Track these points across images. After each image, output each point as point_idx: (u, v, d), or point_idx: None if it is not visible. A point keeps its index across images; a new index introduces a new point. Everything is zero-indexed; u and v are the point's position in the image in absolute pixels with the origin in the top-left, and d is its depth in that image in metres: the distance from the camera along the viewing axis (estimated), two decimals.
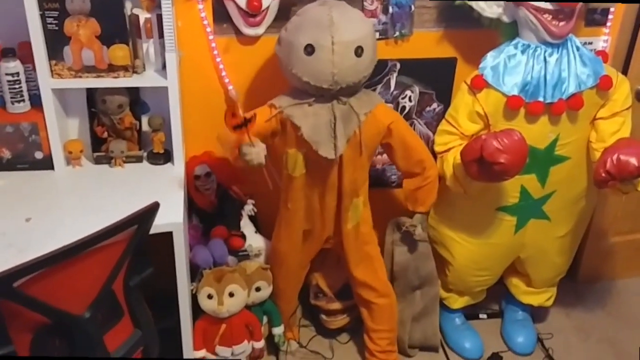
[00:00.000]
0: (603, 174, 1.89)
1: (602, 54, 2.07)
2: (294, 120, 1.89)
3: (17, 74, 1.87)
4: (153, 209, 1.53)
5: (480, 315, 2.54)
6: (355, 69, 1.85)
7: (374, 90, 2.21)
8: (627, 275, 2.79)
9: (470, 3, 2.00)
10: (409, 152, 2.03)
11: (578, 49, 1.96)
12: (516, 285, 2.43)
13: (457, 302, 2.40)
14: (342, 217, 2.06)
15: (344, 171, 1.97)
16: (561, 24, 1.90)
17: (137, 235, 1.54)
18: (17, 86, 1.89)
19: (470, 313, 2.49)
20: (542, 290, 2.41)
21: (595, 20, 2.24)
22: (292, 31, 1.86)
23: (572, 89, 1.94)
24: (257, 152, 1.77)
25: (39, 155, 1.96)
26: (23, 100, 1.92)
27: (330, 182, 1.99)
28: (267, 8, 2.02)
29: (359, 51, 1.82)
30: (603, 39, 2.26)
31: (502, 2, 1.96)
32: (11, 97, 1.89)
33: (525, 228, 2.17)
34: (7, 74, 1.86)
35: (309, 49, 1.81)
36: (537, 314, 2.51)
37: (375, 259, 2.16)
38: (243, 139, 1.76)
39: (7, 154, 1.94)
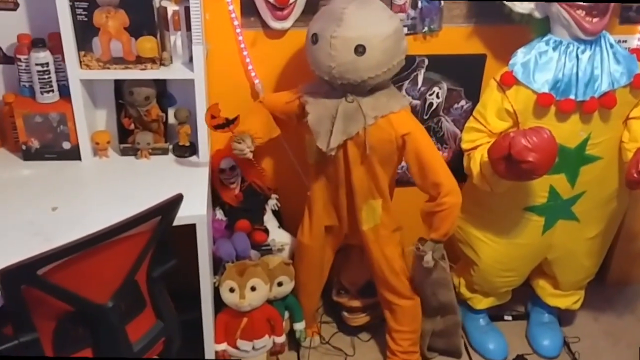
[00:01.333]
0: (635, 175, 1.85)
1: (636, 52, 2.02)
2: (306, 106, 1.91)
3: (47, 64, 1.89)
4: (177, 200, 1.54)
5: (505, 317, 2.50)
6: (355, 67, 1.79)
7: (401, 86, 2.19)
8: None
9: None
10: (424, 171, 1.91)
11: (612, 46, 1.92)
12: (543, 287, 2.39)
13: (482, 302, 2.37)
14: (357, 216, 2.04)
15: (352, 169, 1.94)
16: (595, 20, 1.86)
17: (161, 226, 1.55)
18: (46, 76, 1.90)
19: (495, 314, 2.45)
20: (570, 292, 2.36)
21: (630, 17, 2.19)
22: (313, 19, 1.89)
23: (604, 87, 1.90)
24: (241, 149, 1.91)
25: (66, 145, 1.98)
26: (52, 91, 1.93)
27: (339, 176, 1.98)
28: (295, 1, 2.01)
29: (359, 49, 1.77)
30: (638, 37, 2.20)
31: None
32: (41, 87, 1.91)
33: (553, 229, 2.13)
34: (37, 64, 1.88)
35: (314, 38, 1.83)
36: (564, 317, 2.46)
37: (395, 261, 2.11)
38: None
39: (35, 144, 1.96)
